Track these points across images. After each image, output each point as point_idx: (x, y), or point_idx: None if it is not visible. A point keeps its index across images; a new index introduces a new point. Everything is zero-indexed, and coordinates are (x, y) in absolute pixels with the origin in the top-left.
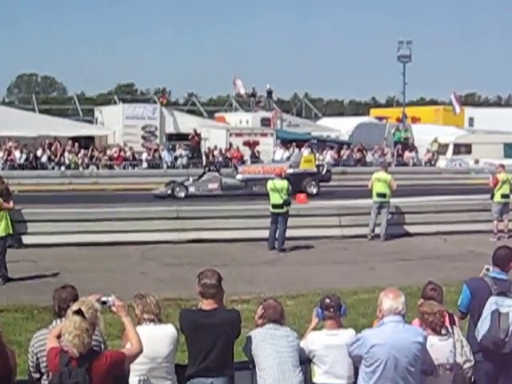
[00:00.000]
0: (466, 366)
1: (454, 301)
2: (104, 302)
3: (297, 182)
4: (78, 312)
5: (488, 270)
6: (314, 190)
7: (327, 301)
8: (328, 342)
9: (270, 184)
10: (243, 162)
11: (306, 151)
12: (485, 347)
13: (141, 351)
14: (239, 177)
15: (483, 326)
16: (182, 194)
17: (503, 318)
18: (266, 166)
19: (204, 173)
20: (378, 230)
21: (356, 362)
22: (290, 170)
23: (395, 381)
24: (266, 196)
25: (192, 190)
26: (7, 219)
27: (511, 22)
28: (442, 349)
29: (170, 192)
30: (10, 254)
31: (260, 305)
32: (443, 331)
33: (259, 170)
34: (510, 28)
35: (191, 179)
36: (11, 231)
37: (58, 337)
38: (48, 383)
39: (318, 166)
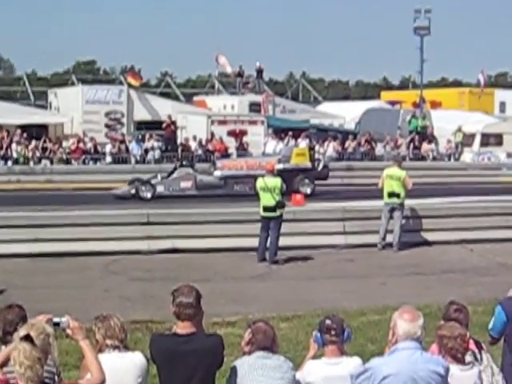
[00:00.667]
0: None
1: (481, 324)
2: (56, 324)
3: (288, 180)
4: (27, 338)
5: None
6: (309, 190)
7: (328, 323)
8: (328, 373)
9: (260, 182)
10: (228, 156)
11: (303, 143)
12: None
13: (103, 383)
14: (217, 173)
15: None
16: (149, 195)
17: None
18: (251, 161)
19: (175, 169)
20: (389, 238)
21: None
22: (280, 166)
23: None
24: (251, 197)
25: (160, 189)
26: None
27: None
28: (464, 380)
29: (133, 192)
30: None
31: (248, 328)
32: (466, 359)
33: (242, 165)
34: None
35: (159, 176)
36: None
37: (1, 366)
38: None
39: (313, 161)
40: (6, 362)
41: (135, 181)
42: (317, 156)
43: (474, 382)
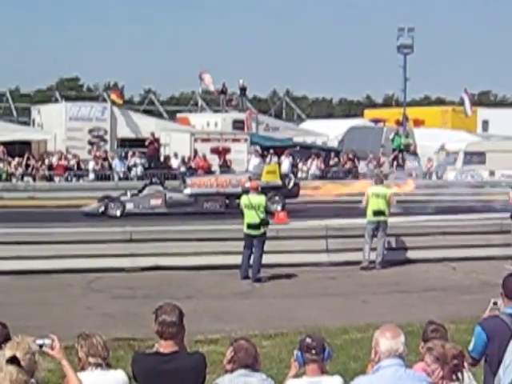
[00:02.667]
0: None
1: (463, 341)
2: (40, 346)
3: None
4: (13, 360)
5: (495, 304)
6: (278, 207)
7: (308, 341)
8: None
9: (244, 200)
10: (211, 173)
11: (286, 160)
12: None
13: None
14: (187, 191)
15: (507, 375)
16: (118, 212)
17: None
18: (221, 178)
19: (145, 186)
20: (372, 256)
21: None
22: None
23: None
24: (222, 215)
25: (130, 206)
26: None
27: None
28: None
29: (102, 209)
30: None
31: (230, 346)
32: (458, 377)
33: (212, 182)
34: None
35: (129, 194)
36: None
37: None
38: None
39: (283, 179)
40: None
41: (105, 198)
42: (289, 174)
43: None
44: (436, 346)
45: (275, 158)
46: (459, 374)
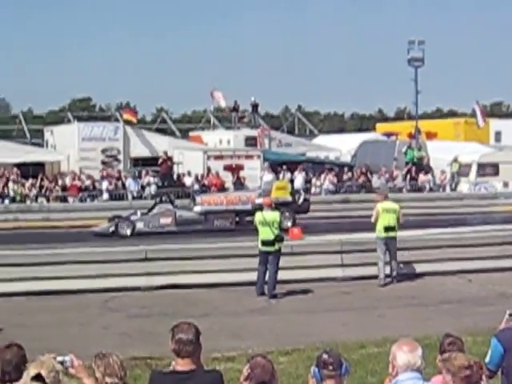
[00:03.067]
0: None
1: (481, 354)
2: (60, 363)
3: None
4: (38, 377)
5: (511, 315)
6: (289, 223)
7: (325, 357)
8: None
9: (258, 216)
10: (224, 190)
11: (299, 176)
12: None
13: None
14: (197, 209)
15: None
16: (128, 231)
17: None
18: (231, 196)
19: (155, 205)
20: (387, 270)
21: None
22: (260, 200)
23: None
24: (232, 232)
25: (140, 225)
26: None
27: None
28: None
29: (113, 229)
30: None
31: (247, 363)
32: None
33: (222, 199)
34: None
35: (139, 213)
36: None
37: None
38: None
39: (293, 195)
40: None
41: (115, 218)
42: (300, 190)
43: None
44: (449, 358)
45: (288, 174)
46: None
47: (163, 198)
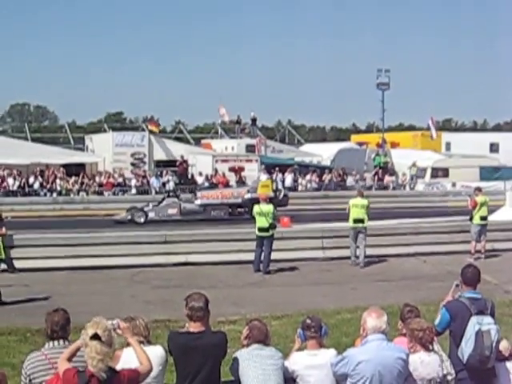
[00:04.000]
0: (449, 378)
1: (433, 320)
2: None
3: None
4: (95, 336)
5: (458, 285)
6: None
7: (308, 322)
8: (309, 362)
9: (256, 208)
10: (229, 187)
11: (289, 176)
12: (472, 365)
13: (151, 369)
14: (198, 202)
15: (468, 346)
16: (142, 220)
17: (486, 335)
18: (225, 191)
19: (164, 198)
20: (357, 253)
21: (341, 380)
22: (248, 195)
23: None
24: (226, 221)
25: (152, 215)
26: None
27: (484, 51)
28: (433, 364)
29: (129, 218)
30: (4, 279)
31: (246, 325)
32: (431, 347)
33: (217, 195)
34: (484, 57)
35: (151, 205)
36: (3, 256)
37: (69, 359)
38: None
39: (274, 191)
40: (73, 356)
41: (131, 209)
42: (279, 187)
43: (438, 365)
44: (408, 324)
45: (280, 175)
46: (430, 345)
47: (170, 193)
